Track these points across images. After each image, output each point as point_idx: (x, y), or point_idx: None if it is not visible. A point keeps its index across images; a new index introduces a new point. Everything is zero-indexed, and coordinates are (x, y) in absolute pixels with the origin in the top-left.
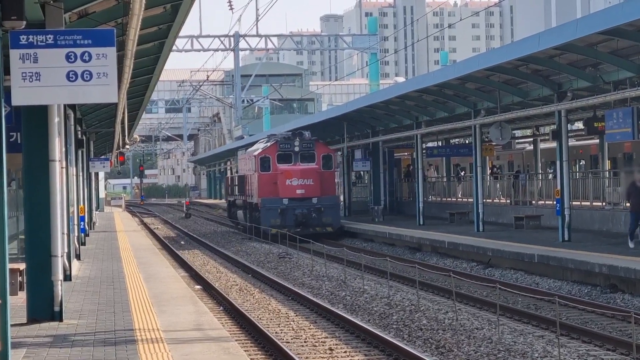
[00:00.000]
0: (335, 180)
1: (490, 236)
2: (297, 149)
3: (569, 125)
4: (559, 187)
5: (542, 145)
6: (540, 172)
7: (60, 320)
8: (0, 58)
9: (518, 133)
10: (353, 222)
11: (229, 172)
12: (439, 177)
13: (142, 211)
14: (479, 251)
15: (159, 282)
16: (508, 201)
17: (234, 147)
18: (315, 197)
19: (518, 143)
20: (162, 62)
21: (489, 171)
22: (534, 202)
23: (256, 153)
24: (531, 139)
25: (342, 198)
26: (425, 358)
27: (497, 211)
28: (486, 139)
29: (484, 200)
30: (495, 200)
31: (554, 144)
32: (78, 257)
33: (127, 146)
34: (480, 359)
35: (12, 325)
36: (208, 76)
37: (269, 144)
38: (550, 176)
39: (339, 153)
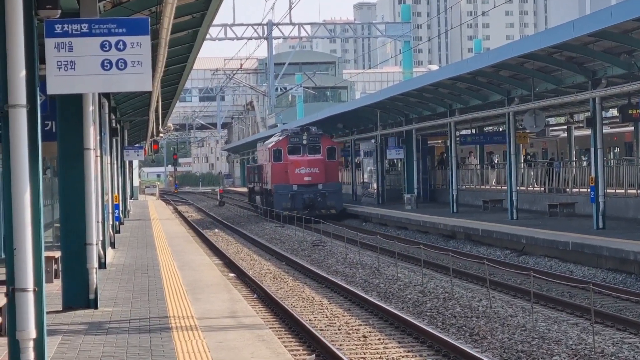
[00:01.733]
0: (338, 169)
1: (524, 224)
2: (305, 142)
3: (603, 112)
4: (593, 175)
5: (576, 133)
6: (574, 159)
7: (95, 307)
8: (36, 47)
9: (552, 120)
10: (386, 209)
11: (250, 161)
12: (477, 164)
13: (176, 199)
14: (513, 239)
15: (193, 270)
16: (542, 189)
17: (264, 136)
18: (321, 183)
19: (552, 130)
20: (196, 51)
21: (522, 159)
22: (568, 189)
23: (270, 145)
24: (565, 127)
25: (375, 186)
26: (459, 345)
27: (531, 199)
28: (520, 127)
29: (518, 187)
30: (529, 188)
31: (588, 131)
32: (112, 245)
33: (161, 134)
34: (515, 346)
35: (47, 313)
36: (241, 64)
37: (281, 137)
38: (585, 164)
39: (373, 141)
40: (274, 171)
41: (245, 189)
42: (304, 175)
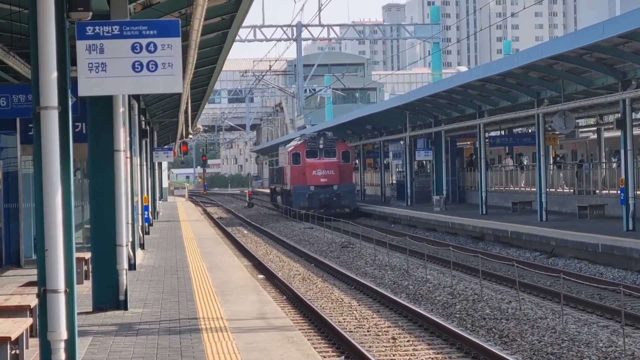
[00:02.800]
0: (352, 171)
1: (553, 225)
2: (321, 146)
3: (633, 113)
4: (623, 176)
5: (606, 134)
6: (604, 161)
7: (125, 309)
8: (67, 49)
9: (582, 122)
10: (415, 210)
11: (273, 164)
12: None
13: (205, 201)
14: (543, 240)
15: (223, 272)
16: (571, 190)
17: (284, 140)
18: (336, 184)
19: (581, 132)
20: (225, 53)
21: (552, 160)
22: (597, 191)
23: (289, 149)
24: (595, 128)
25: (407, 186)
26: (488, 347)
27: (561, 201)
28: (549, 128)
29: (548, 189)
30: (558, 190)
31: (618, 133)
32: (142, 246)
33: (191, 136)
34: (544, 348)
35: (78, 314)
36: (270, 66)
37: (299, 142)
38: (615, 165)
39: (402, 142)
40: (292, 173)
41: None
42: (320, 176)
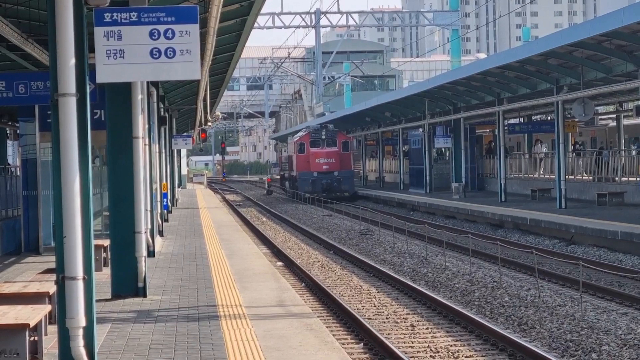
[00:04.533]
0: (351, 159)
1: (572, 213)
2: (323, 137)
3: None
4: None
5: (625, 122)
6: (623, 148)
7: (144, 296)
8: (85, 36)
9: (601, 109)
10: (434, 198)
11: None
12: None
13: (224, 188)
14: (562, 228)
15: (241, 259)
16: (591, 178)
17: (292, 131)
18: (336, 171)
19: (601, 119)
20: (244, 40)
21: (571, 148)
22: (617, 178)
23: (295, 140)
24: (614, 115)
25: (426, 173)
26: (507, 335)
27: (580, 188)
28: (569, 115)
29: (567, 177)
30: (577, 177)
31: (638, 120)
32: (161, 233)
33: (209, 123)
34: (563, 336)
35: (96, 301)
36: (289, 53)
37: (304, 133)
38: (634, 152)
39: (420, 129)
40: (298, 161)
41: None
42: (322, 164)
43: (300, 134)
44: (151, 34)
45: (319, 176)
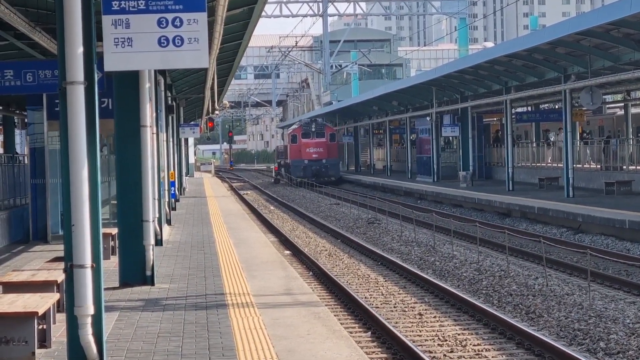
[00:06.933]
0: (337, 148)
1: (580, 202)
2: (313, 129)
3: None
4: None
5: (633, 110)
6: (631, 137)
7: (152, 284)
8: (93, 24)
9: (609, 98)
10: (441, 187)
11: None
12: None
13: (232, 176)
14: (569, 217)
15: (249, 247)
16: (598, 166)
17: (287, 124)
18: (324, 158)
19: (609, 108)
20: (251, 28)
21: (579, 136)
22: (624, 167)
23: (289, 131)
24: (622, 104)
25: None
26: (515, 323)
27: (587, 177)
28: (576, 104)
29: (574, 165)
30: (585, 166)
31: None
32: (169, 222)
33: (217, 112)
34: (571, 325)
35: (105, 289)
36: (297, 42)
37: (296, 126)
38: None
39: (428, 118)
40: (291, 150)
41: None
42: (312, 153)
43: (293, 126)
44: (159, 22)
45: (309, 163)
